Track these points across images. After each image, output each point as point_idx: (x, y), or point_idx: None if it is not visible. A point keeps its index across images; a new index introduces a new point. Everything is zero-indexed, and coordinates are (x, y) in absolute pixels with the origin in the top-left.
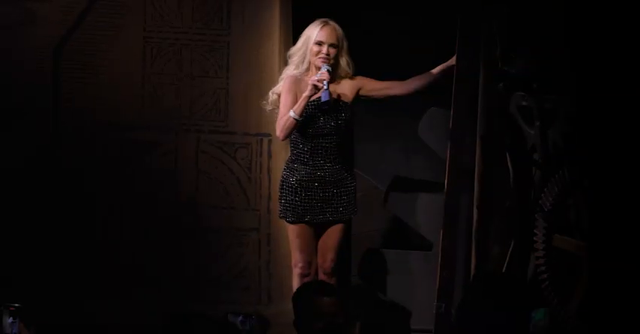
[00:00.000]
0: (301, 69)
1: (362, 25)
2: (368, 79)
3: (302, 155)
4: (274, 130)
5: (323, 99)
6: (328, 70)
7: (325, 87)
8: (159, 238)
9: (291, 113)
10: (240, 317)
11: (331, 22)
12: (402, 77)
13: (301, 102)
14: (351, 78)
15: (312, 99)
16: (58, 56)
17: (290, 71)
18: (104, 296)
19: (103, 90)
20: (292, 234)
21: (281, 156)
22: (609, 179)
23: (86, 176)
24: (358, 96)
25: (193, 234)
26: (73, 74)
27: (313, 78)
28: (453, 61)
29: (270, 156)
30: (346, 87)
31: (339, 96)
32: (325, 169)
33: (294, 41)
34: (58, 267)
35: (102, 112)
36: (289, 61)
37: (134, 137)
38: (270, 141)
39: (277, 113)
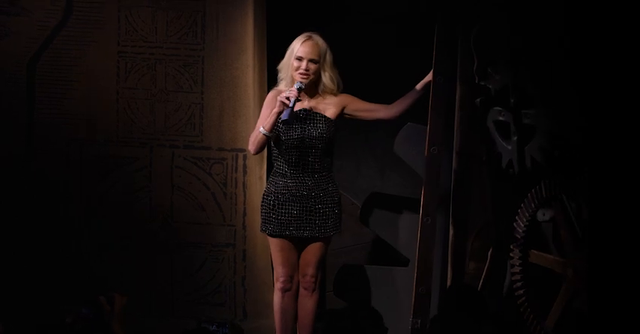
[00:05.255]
0: (287, 83)
1: (334, 38)
2: (354, 98)
3: (281, 167)
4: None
5: (283, 118)
6: (300, 88)
7: (291, 104)
8: (134, 253)
9: (261, 129)
10: (214, 326)
11: (315, 37)
12: (379, 89)
13: (270, 118)
14: (338, 94)
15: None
16: (32, 71)
17: (281, 86)
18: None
19: (77, 105)
20: (272, 247)
21: (255, 171)
22: (589, 194)
23: (60, 191)
24: (343, 114)
25: (168, 249)
26: (47, 89)
27: (282, 94)
28: (429, 77)
29: (245, 171)
30: (331, 103)
31: (322, 110)
32: (303, 183)
33: (269, 55)
34: (28, 283)
35: (76, 127)
36: (279, 75)
37: (108, 152)
38: (245, 156)
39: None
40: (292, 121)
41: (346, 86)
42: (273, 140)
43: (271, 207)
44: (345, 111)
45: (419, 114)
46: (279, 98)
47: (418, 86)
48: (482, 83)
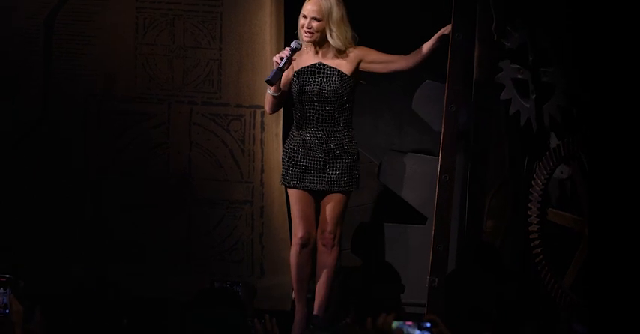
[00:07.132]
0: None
1: None
2: (370, 50)
3: (296, 120)
4: None
5: (267, 78)
6: (295, 48)
7: (280, 64)
8: (151, 210)
9: (268, 89)
10: (227, 285)
11: None
12: (397, 48)
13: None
14: (354, 48)
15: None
16: (50, 27)
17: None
18: (99, 267)
19: (95, 61)
20: (291, 199)
21: (272, 128)
22: (606, 154)
23: (78, 147)
24: (360, 68)
25: (186, 206)
26: (64, 44)
27: (277, 54)
28: (445, 29)
29: (263, 128)
30: (347, 58)
31: (337, 65)
32: (316, 136)
33: (286, 12)
34: (47, 239)
35: (94, 83)
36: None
37: (126, 108)
38: (262, 113)
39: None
40: (274, 82)
41: (363, 42)
42: (294, 94)
43: (288, 158)
44: (362, 65)
45: (437, 71)
46: (274, 58)
47: (434, 38)
48: (501, 41)
